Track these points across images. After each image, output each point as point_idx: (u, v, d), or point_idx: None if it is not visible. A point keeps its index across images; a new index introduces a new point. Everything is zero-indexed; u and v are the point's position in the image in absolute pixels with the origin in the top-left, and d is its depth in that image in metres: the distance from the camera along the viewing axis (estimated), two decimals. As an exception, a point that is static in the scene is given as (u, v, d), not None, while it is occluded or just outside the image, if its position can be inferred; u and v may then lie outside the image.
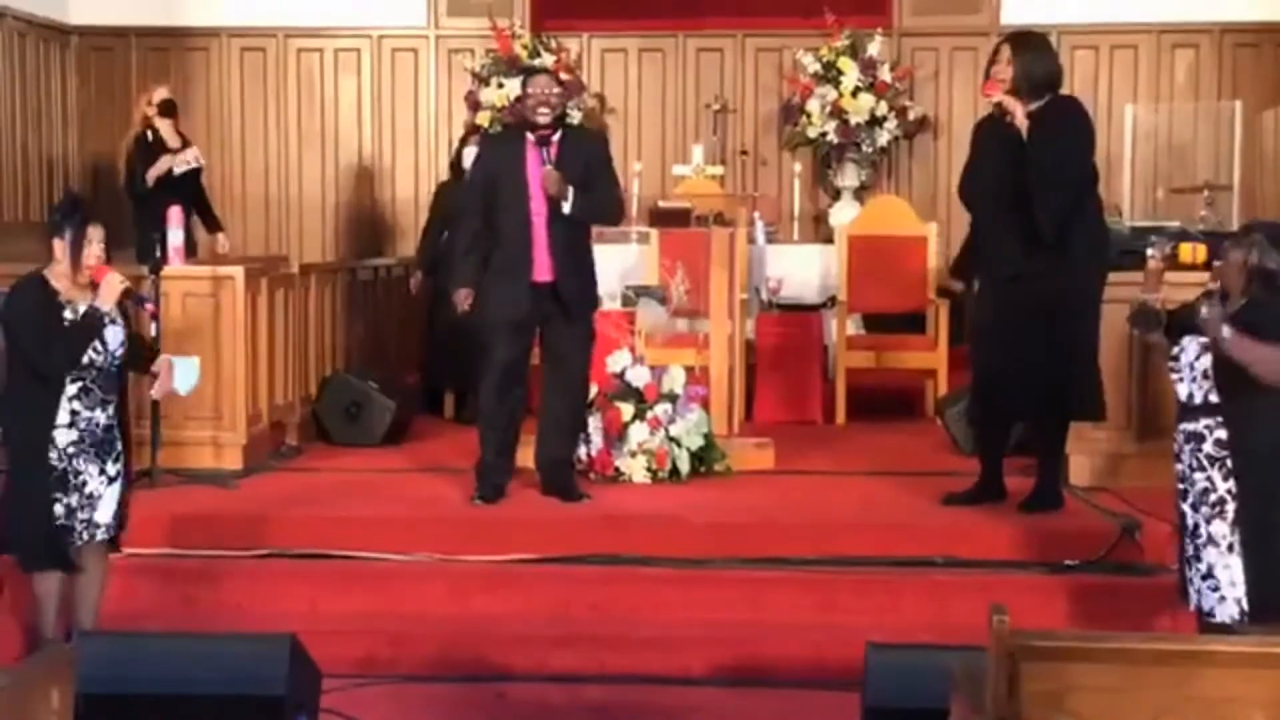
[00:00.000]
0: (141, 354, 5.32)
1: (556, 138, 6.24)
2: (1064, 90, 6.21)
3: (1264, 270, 4.51)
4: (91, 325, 4.94)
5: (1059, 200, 5.86)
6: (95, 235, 5.00)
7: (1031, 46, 6.07)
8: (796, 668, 5.31)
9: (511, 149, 6.34)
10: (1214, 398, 4.53)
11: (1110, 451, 6.60)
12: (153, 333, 6.28)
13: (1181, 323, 4.72)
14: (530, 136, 6.27)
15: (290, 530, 6.05)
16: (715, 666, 5.37)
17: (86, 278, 4.99)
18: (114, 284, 5.01)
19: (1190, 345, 4.60)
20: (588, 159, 6.32)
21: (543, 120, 6.22)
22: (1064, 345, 5.94)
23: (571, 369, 6.39)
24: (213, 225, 8.69)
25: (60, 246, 4.97)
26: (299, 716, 4.23)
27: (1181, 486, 4.67)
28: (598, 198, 6.31)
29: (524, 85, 6.44)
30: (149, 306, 6.11)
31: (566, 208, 6.18)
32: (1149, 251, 4.97)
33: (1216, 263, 4.72)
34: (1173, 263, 4.89)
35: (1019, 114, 5.93)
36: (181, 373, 5.30)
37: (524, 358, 6.37)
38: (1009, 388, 6.05)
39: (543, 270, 6.24)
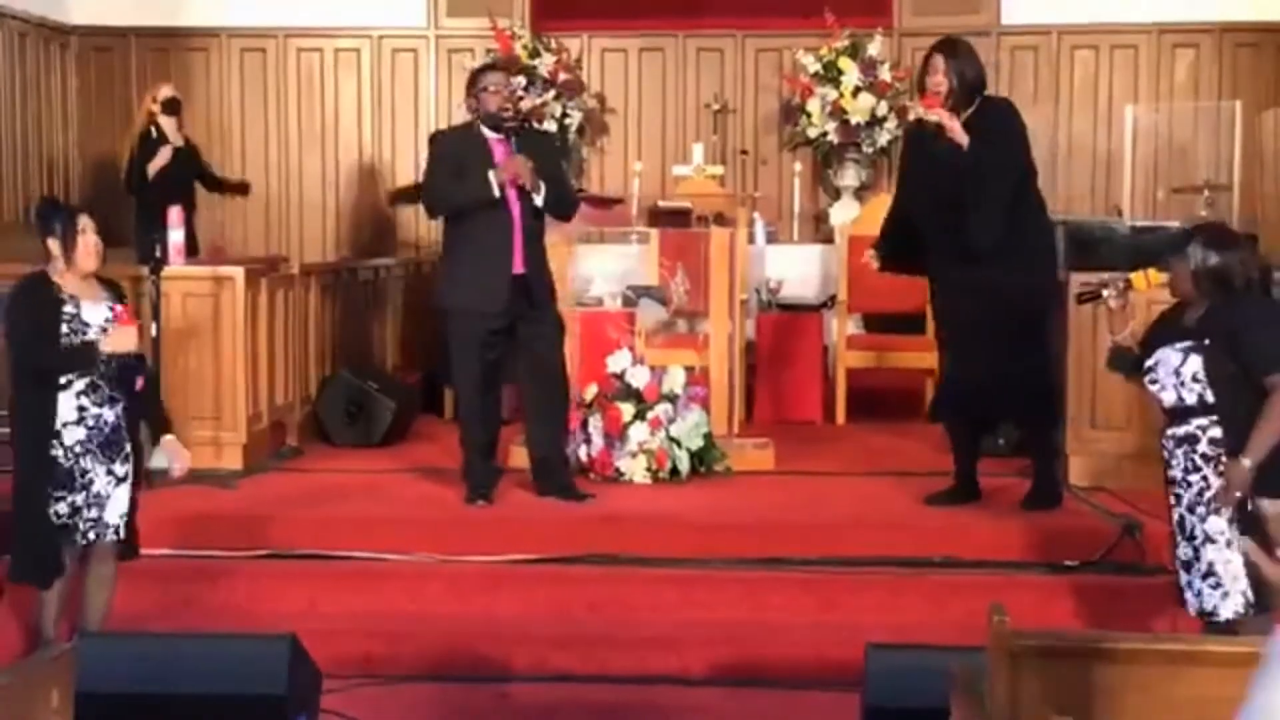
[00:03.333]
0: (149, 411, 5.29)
1: (513, 138, 6.23)
2: (993, 92, 6.24)
3: (1211, 270, 4.58)
4: (87, 357, 4.90)
5: (997, 207, 5.84)
6: (87, 224, 5.00)
7: (962, 52, 6.02)
8: (796, 668, 5.31)
9: (473, 144, 6.27)
10: (1209, 398, 4.55)
11: (1110, 451, 6.61)
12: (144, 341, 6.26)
13: (1150, 339, 4.78)
14: (488, 133, 6.24)
15: (290, 530, 6.06)
16: (715, 666, 5.37)
17: (90, 267, 4.98)
18: (129, 338, 4.96)
19: (1170, 354, 4.62)
20: (542, 157, 6.32)
21: (505, 114, 6.23)
22: (1027, 345, 5.97)
23: (549, 364, 6.39)
24: (233, 187, 9.06)
25: (55, 244, 4.96)
26: (299, 716, 4.22)
27: (1176, 492, 4.68)
28: (565, 192, 6.41)
29: (476, 82, 6.35)
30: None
31: (539, 200, 6.18)
32: (1104, 293, 4.97)
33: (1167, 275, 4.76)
34: (1128, 298, 4.92)
35: (959, 132, 5.87)
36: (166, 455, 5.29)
37: (502, 357, 6.36)
38: (975, 391, 6.07)
39: (516, 263, 6.24)
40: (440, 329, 8.17)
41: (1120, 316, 4.93)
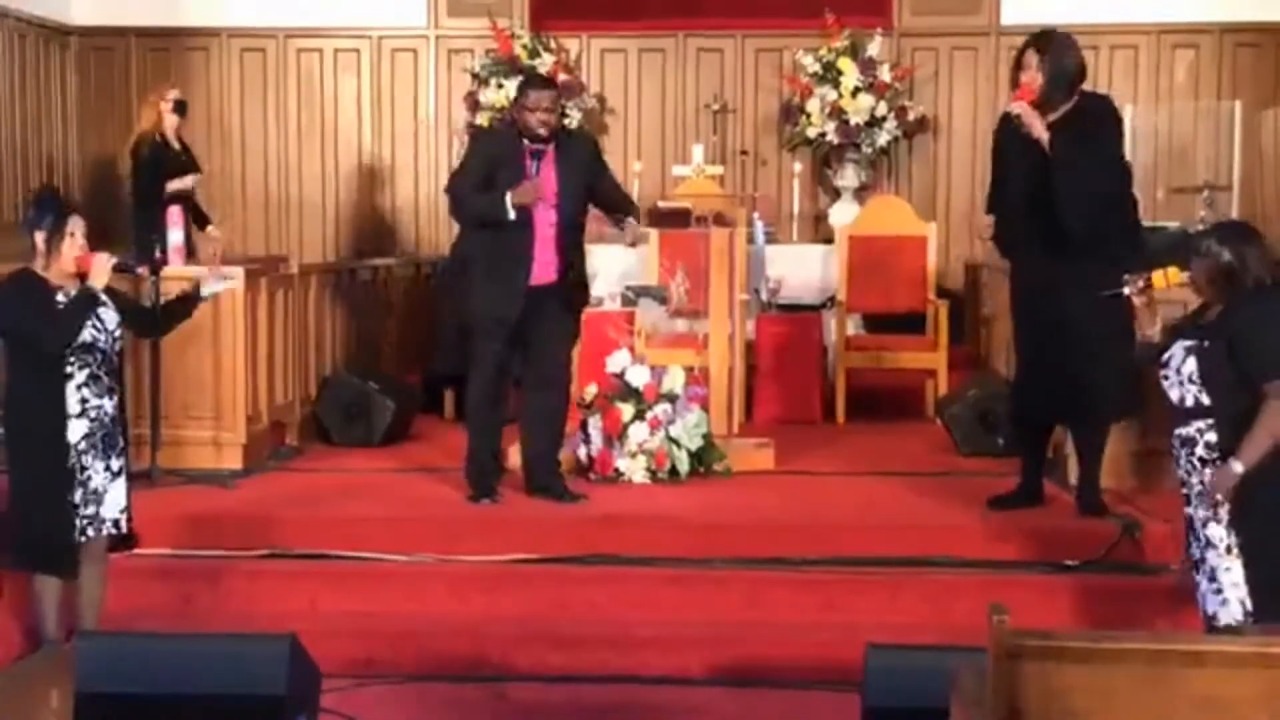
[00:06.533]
0: (169, 313, 5.60)
1: (551, 146, 6.23)
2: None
3: (1223, 266, 4.54)
4: (86, 301, 4.93)
5: (1091, 204, 5.73)
6: (76, 227, 4.98)
7: (1057, 45, 5.91)
8: (796, 668, 5.31)
9: (511, 151, 6.27)
10: (1205, 400, 4.54)
11: (1110, 451, 6.57)
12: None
13: (1171, 334, 4.74)
14: (526, 144, 6.24)
15: (290, 530, 6.05)
16: (715, 666, 5.37)
17: (70, 269, 4.97)
18: (104, 264, 5.00)
19: (1178, 351, 4.60)
20: (586, 161, 6.35)
21: (542, 134, 6.21)
22: (1102, 349, 5.76)
23: (558, 369, 6.40)
24: (202, 221, 8.73)
25: (40, 237, 4.96)
26: (299, 716, 4.22)
27: (1184, 491, 4.67)
28: (620, 197, 6.51)
29: (523, 93, 6.33)
30: (140, 271, 6.02)
31: (629, 239, 6.43)
32: (1126, 291, 4.92)
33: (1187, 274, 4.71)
34: (1150, 293, 4.86)
35: (1037, 127, 5.78)
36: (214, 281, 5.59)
37: (513, 358, 6.36)
38: (1045, 394, 5.97)
39: (547, 272, 6.24)
40: (451, 327, 8.15)
41: (1147, 313, 4.86)
